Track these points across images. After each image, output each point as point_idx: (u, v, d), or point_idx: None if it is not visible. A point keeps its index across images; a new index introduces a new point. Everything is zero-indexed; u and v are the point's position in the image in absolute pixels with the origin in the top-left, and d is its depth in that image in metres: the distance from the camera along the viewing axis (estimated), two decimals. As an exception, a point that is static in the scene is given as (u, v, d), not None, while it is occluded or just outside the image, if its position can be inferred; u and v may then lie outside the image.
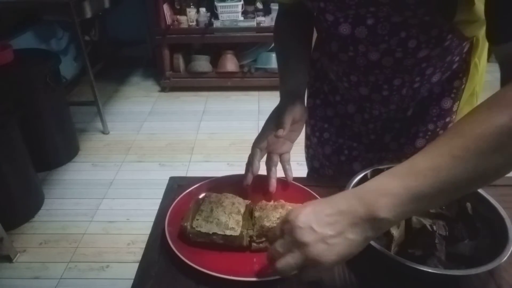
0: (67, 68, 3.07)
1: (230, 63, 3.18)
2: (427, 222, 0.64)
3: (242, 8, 3.10)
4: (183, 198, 0.74)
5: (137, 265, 0.65)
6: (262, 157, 0.77)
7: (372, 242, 0.58)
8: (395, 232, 0.63)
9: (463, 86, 0.77)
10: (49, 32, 2.96)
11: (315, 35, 0.85)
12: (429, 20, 0.63)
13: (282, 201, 0.72)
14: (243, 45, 3.21)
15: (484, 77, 0.82)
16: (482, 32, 0.71)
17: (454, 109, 0.79)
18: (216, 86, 3.28)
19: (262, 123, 0.76)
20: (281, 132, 0.70)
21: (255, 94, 3.23)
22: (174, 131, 2.78)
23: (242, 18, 3.11)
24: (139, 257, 0.66)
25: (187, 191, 0.76)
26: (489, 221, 0.63)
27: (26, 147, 1.98)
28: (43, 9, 2.59)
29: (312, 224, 0.47)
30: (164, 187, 0.83)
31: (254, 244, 0.66)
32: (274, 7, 3.08)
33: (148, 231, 0.71)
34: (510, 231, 0.59)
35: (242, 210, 0.70)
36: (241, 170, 0.78)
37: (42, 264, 1.77)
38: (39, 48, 2.73)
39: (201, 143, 2.64)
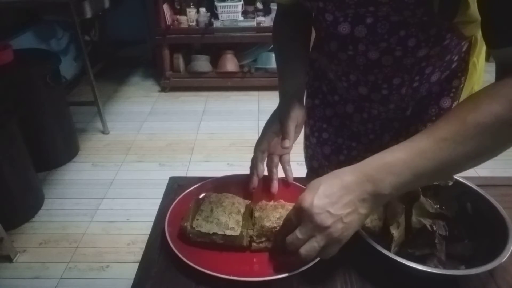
0: (67, 68, 3.08)
1: (230, 63, 3.18)
2: (427, 222, 0.64)
3: (242, 8, 3.10)
4: (183, 198, 0.74)
5: (137, 265, 0.65)
6: (264, 159, 0.77)
7: (372, 242, 0.58)
8: (395, 232, 0.63)
9: (462, 86, 0.77)
10: (49, 32, 2.96)
11: (313, 35, 0.85)
12: (428, 20, 0.63)
13: (282, 201, 0.72)
14: (243, 45, 3.20)
15: (482, 76, 0.82)
16: (480, 32, 0.71)
17: None
18: (216, 86, 3.28)
19: (262, 123, 0.77)
20: (287, 143, 0.71)
21: (255, 94, 3.23)
22: (174, 131, 2.78)
23: (242, 18, 3.11)
24: (139, 257, 0.66)
25: (187, 191, 0.76)
26: (489, 221, 0.63)
27: (26, 147, 1.98)
28: (43, 9, 2.59)
29: (328, 208, 0.52)
30: (164, 187, 0.83)
31: (254, 244, 0.66)
32: (274, 7, 3.05)
33: (148, 231, 0.71)
34: (510, 231, 0.59)
35: (242, 210, 0.70)
36: (241, 170, 0.78)
37: (42, 264, 1.77)
38: (39, 48, 2.74)
39: (201, 143, 2.64)
